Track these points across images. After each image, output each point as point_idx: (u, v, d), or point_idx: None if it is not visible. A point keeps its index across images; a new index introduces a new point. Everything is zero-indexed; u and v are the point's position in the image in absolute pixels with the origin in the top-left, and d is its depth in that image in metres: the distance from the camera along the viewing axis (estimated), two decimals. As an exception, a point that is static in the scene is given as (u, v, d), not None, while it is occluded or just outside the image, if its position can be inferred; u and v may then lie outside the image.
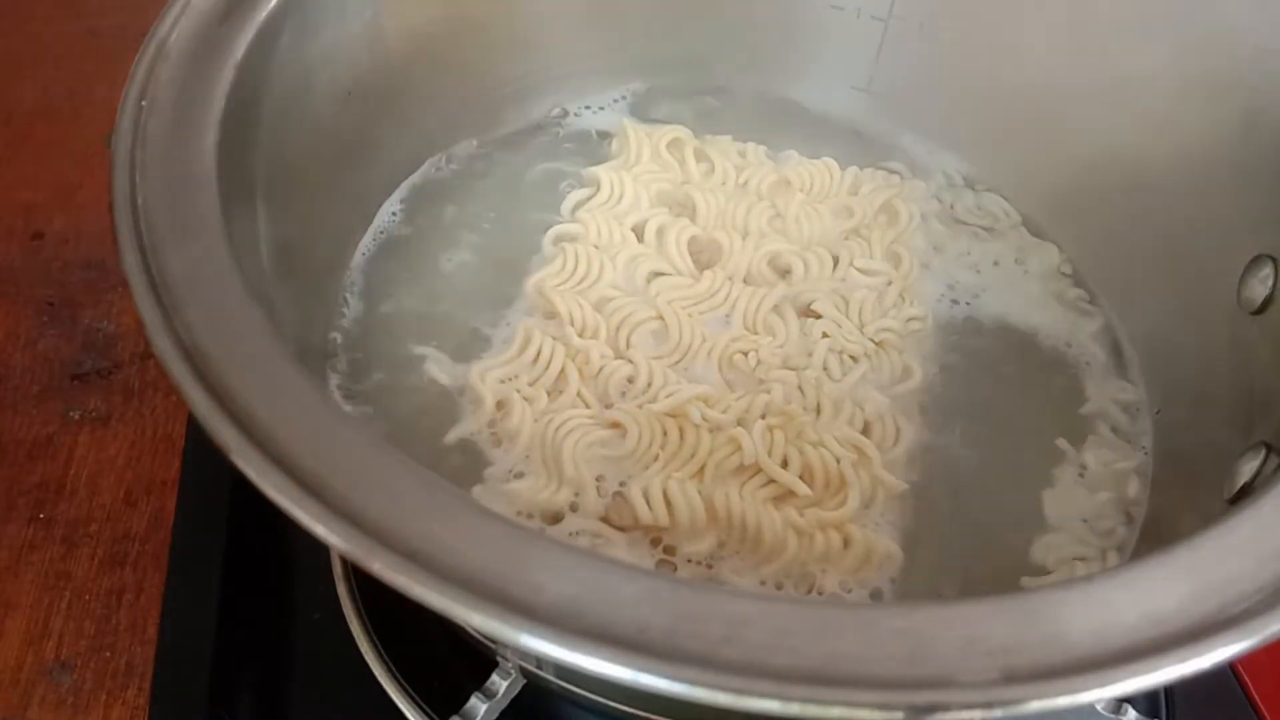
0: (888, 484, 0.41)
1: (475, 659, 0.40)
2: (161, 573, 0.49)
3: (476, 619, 0.22)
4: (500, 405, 0.43)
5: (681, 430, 0.42)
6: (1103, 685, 0.23)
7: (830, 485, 0.41)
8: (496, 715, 0.39)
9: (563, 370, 0.44)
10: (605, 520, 0.40)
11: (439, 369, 0.45)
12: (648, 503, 0.39)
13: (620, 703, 0.35)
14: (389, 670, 0.43)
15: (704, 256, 0.50)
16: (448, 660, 0.44)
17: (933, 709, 0.22)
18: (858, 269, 0.49)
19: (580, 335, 0.45)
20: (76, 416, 0.56)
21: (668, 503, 0.39)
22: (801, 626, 0.23)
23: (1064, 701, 0.22)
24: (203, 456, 0.51)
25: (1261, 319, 0.40)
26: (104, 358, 0.58)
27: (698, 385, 0.43)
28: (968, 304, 0.50)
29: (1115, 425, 0.46)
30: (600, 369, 0.44)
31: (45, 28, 0.77)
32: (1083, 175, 0.51)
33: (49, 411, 0.56)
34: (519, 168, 0.54)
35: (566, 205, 0.51)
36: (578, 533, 0.40)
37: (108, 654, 0.47)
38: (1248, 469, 0.36)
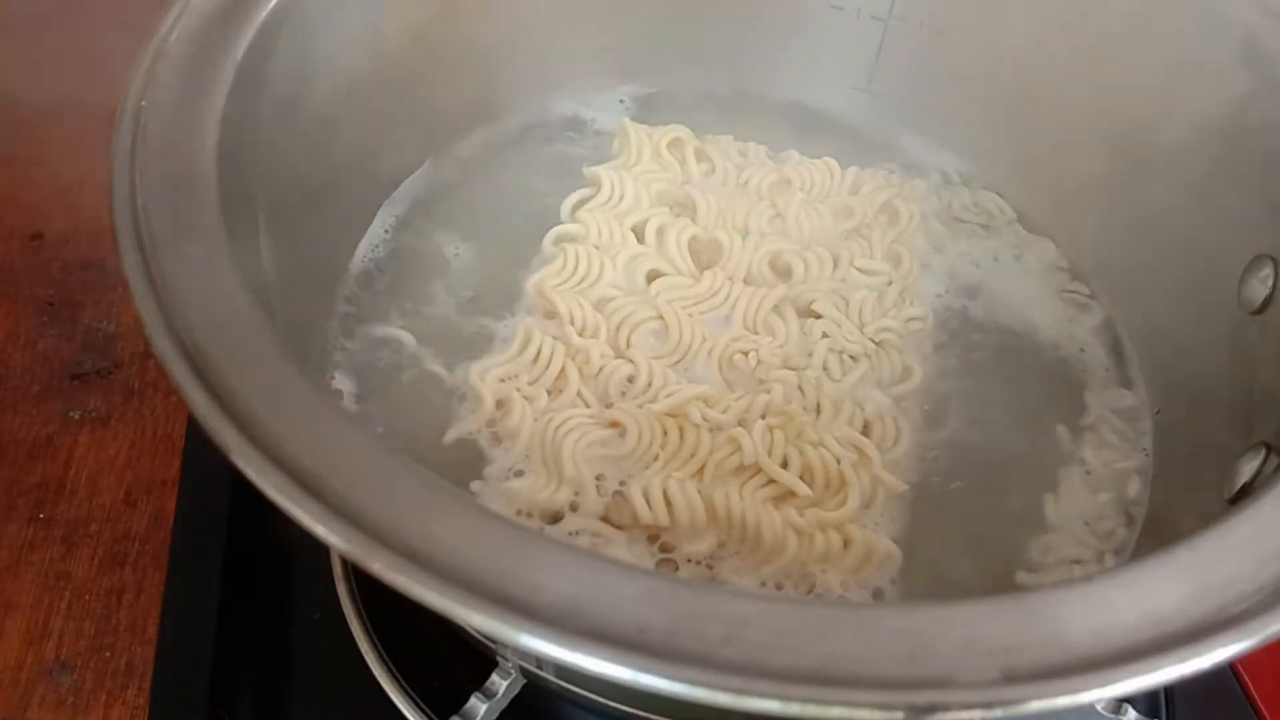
0: (888, 484, 0.41)
1: (475, 659, 0.40)
2: (161, 573, 0.49)
3: (476, 619, 0.22)
4: (500, 404, 0.43)
5: (681, 430, 0.42)
6: (1103, 685, 0.23)
7: (830, 485, 0.41)
8: (496, 715, 0.39)
9: (563, 370, 0.44)
10: (605, 520, 0.40)
11: (438, 368, 0.45)
12: (647, 502, 0.39)
13: (620, 703, 0.35)
14: (389, 670, 0.43)
15: (704, 256, 0.49)
16: (448, 660, 0.44)
17: (933, 709, 0.22)
18: (858, 269, 0.49)
19: (580, 335, 0.45)
20: (76, 416, 0.56)
21: (668, 502, 0.39)
22: (801, 626, 0.23)
23: (1064, 701, 0.22)
24: (203, 456, 0.51)
25: (1261, 319, 0.40)
26: (104, 358, 0.58)
27: (698, 385, 0.43)
28: (968, 303, 0.50)
29: (1116, 425, 0.46)
30: (600, 369, 0.44)
31: (45, 27, 0.77)
32: (1082, 175, 0.51)
33: (49, 411, 0.56)
34: (519, 168, 0.54)
35: (567, 205, 0.51)
36: (578, 532, 0.40)
37: (108, 654, 0.47)
38: (1248, 469, 0.36)
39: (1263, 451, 0.35)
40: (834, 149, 0.55)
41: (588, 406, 0.43)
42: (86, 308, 0.60)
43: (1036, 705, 0.22)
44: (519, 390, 0.43)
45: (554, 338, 0.44)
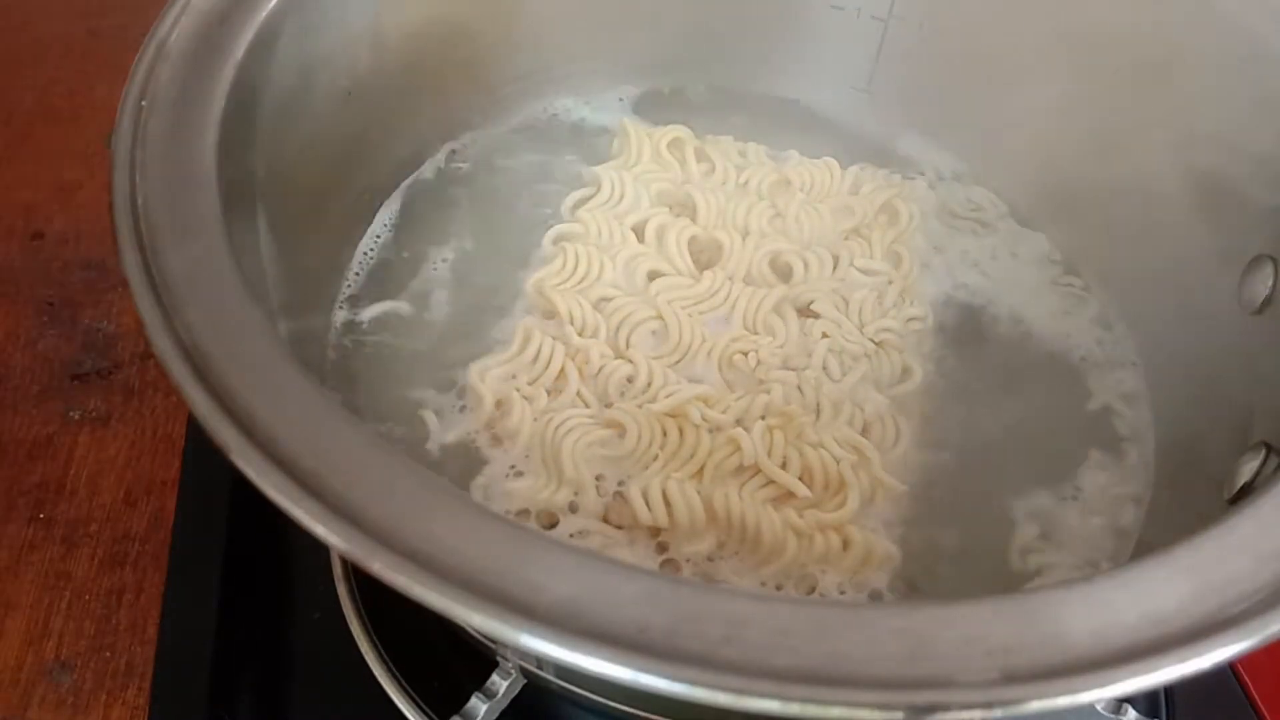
0: (887, 485, 0.41)
1: (475, 659, 0.40)
2: (161, 573, 0.49)
3: (476, 619, 0.22)
4: (500, 404, 0.43)
5: (681, 430, 0.42)
6: (1103, 685, 0.23)
7: (830, 486, 0.41)
8: (496, 715, 0.39)
9: (562, 369, 0.44)
10: (605, 520, 0.40)
11: (438, 368, 0.44)
12: (647, 503, 0.39)
13: (620, 703, 0.35)
14: (389, 670, 0.43)
15: (704, 256, 0.50)
16: (448, 660, 0.44)
17: (933, 709, 0.22)
18: (858, 269, 0.49)
19: (580, 335, 0.45)
20: (76, 416, 0.56)
21: (667, 503, 0.39)
22: (801, 626, 0.23)
23: (1064, 701, 0.22)
24: (203, 456, 0.51)
25: (1261, 319, 0.40)
26: (104, 358, 0.58)
27: (697, 385, 0.43)
28: (968, 303, 0.50)
29: (1116, 423, 0.46)
30: (600, 368, 0.44)
31: (45, 28, 0.77)
32: (1081, 175, 0.51)
33: (49, 411, 0.56)
34: (519, 167, 0.54)
35: (567, 205, 0.51)
36: (579, 533, 0.40)
37: (108, 654, 0.47)
38: (1248, 469, 0.35)
39: (1263, 451, 0.35)
40: (834, 149, 0.55)
41: (587, 406, 0.43)
42: (86, 308, 0.60)
43: (1036, 705, 0.22)
44: (518, 390, 0.43)
45: (554, 337, 0.44)
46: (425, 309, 0.47)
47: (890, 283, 0.49)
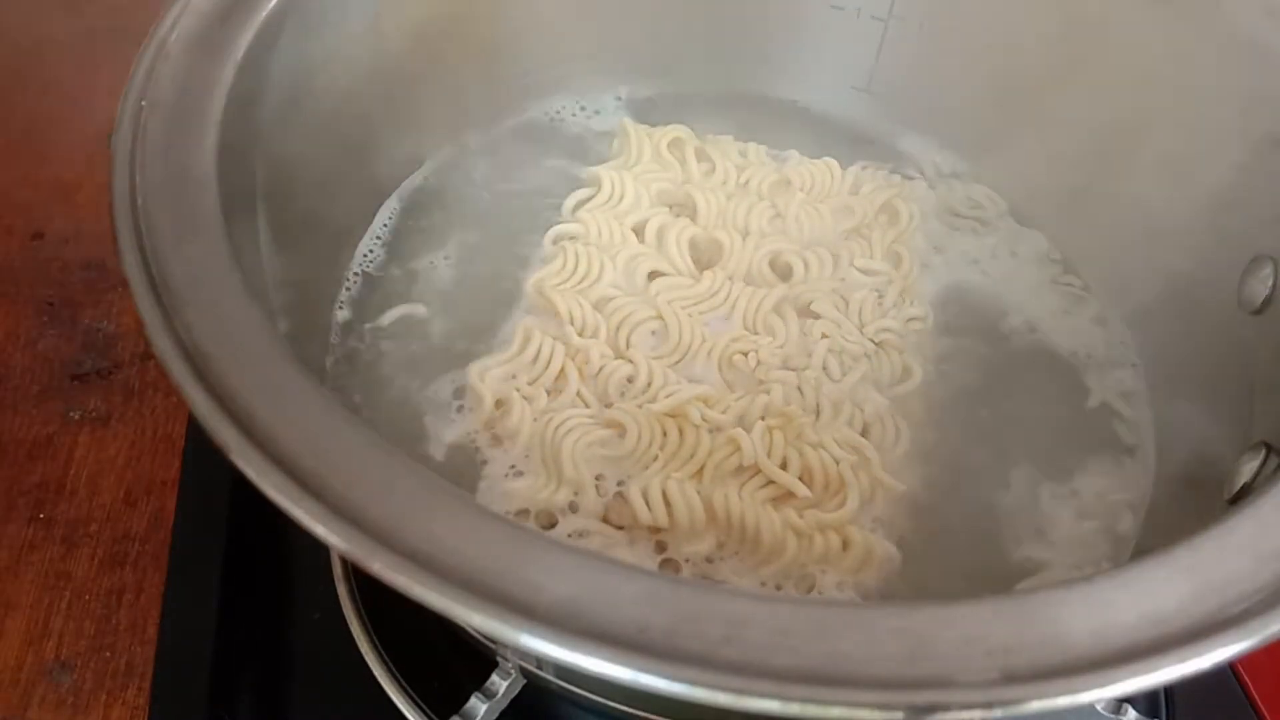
0: (887, 486, 0.41)
1: (475, 659, 0.40)
2: (161, 573, 0.49)
3: (476, 619, 0.22)
4: (499, 404, 0.43)
5: (681, 430, 0.42)
6: (1103, 685, 0.23)
7: (830, 487, 0.41)
8: (496, 715, 0.39)
9: (562, 369, 0.44)
10: (605, 520, 0.40)
11: (438, 368, 0.44)
12: (647, 503, 0.39)
13: (620, 703, 0.35)
14: (389, 670, 0.43)
15: (704, 256, 0.50)
16: (448, 660, 0.44)
17: (933, 709, 0.22)
18: (858, 269, 0.49)
19: (580, 335, 0.45)
20: (76, 416, 0.56)
21: (667, 503, 0.39)
22: (801, 626, 0.23)
23: (1064, 701, 0.22)
24: (203, 456, 0.51)
25: (1261, 319, 0.40)
26: (104, 358, 0.58)
27: (697, 385, 0.43)
28: (968, 303, 0.50)
29: (1116, 423, 0.46)
30: (600, 368, 0.44)
31: (45, 28, 0.77)
32: (1081, 174, 0.51)
33: (49, 411, 0.56)
34: (519, 167, 0.54)
35: (567, 205, 0.51)
36: (579, 533, 0.40)
37: (108, 654, 0.47)
38: (1248, 469, 0.35)
39: (1263, 451, 0.35)
40: (834, 149, 0.55)
41: (587, 406, 0.43)
42: (86, 308, 0.60)
43: (1036, 705, 0.22)
44: (518, 390, 0.43)
45: (554, 337, 0.44)
46: (425, 309, 0.47)
47: (890, 282, 0.49)
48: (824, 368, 0.45)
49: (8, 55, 0.75)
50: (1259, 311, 0.40)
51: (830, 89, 0.58)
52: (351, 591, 0.45)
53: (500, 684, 0.39)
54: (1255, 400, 0.39)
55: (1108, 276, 0.51)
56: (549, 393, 0.43)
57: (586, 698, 0.36)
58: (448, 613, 0.23)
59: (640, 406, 0.42)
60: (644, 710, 0.35)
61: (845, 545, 0.39)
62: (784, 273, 0.49)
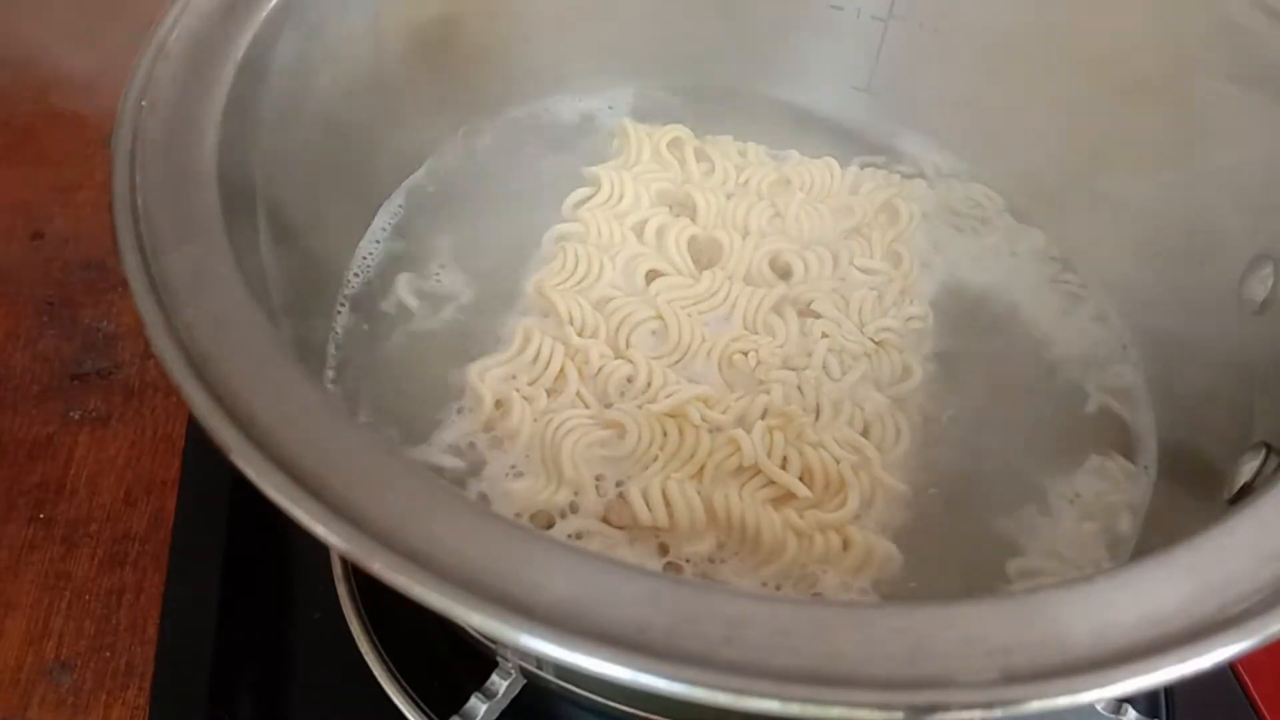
0: (887, 485, 0.41)
1: (475, 659, 0.40)
2: (161, 573, 0.49)
3: (476, 619, 0.22)
4: (499, 404, 0.43)
5: (681, 431, 0.42)
6: (1103, 685, 0.23)
7: (830, 487, 0.41)
8: (496, 715, 0.39)
9: (562, 370, 0.44)
10: (605, 521, 0.40)
11: (438, 368, 0.44)
12: (647, 503, 0.39)
13: (620, 703, 0.35)
14: (389, 670, 0.43)
15: (704, 256, 0.49)
16: (448, 660, 0.44)
17: (933, 709, 0.22)
18: (858, 268, 0.49)
19: (580, 335, 0.45)
20: (76, 416, 0.56)
21: (667, 503, 0.39)
22: (801, 626, 0.23)
23: (1064, 701, 0.22)
24: (203, 456, 0.51)
25: (1261, 319, 0.40)
26: (104, 358, 0.58)
27: (697, 385, 0.43)
28: (968, 302, 0.50)
29: (1115, 422, 0.46)
30: (600, 369, 0.44)
31: (45, 28, 0.77)
32: (1080, 173, 0.51)
33: (49, 411, 0.56)
34: (519, 167, 0.54)
35: (567, 204, 0.51)
36: (579, 533, 0.40)
37: (108, 654, 0.47)
38: (1248, 469, 0.35)
39: (1263, 451, 0.35)
40: (834, 149, 0.55)
41: (587, 407, 0.43)
42: (86, 308, 0.60)
43: (1036, 705, 0.22)
44: (518, 390, 0.43)
45: (553, 337, 0.44)
46: (425, 309, 0.47)
47: (890, 282, 0.49)
48: (824, 367, 0.45)
49: (7, 55, 0.75)
50: (1259, 311, 0.40)
51: (830, 89, 0.58)
52: (351, 591, 0.45)
53: (500, 684, 0.39)
54: (1255, 400, 0.39)
55: (1107, 275, 0.51)
56: (549, 393, 0.43)
57: (586, 698, 0.36)
58: (448, 613, 0.23)
59: (640, 407, 0.42)
60: (644, 710, 0.35)
61: (846, 545, 0.39)
62: (784, 272, 0.49)
